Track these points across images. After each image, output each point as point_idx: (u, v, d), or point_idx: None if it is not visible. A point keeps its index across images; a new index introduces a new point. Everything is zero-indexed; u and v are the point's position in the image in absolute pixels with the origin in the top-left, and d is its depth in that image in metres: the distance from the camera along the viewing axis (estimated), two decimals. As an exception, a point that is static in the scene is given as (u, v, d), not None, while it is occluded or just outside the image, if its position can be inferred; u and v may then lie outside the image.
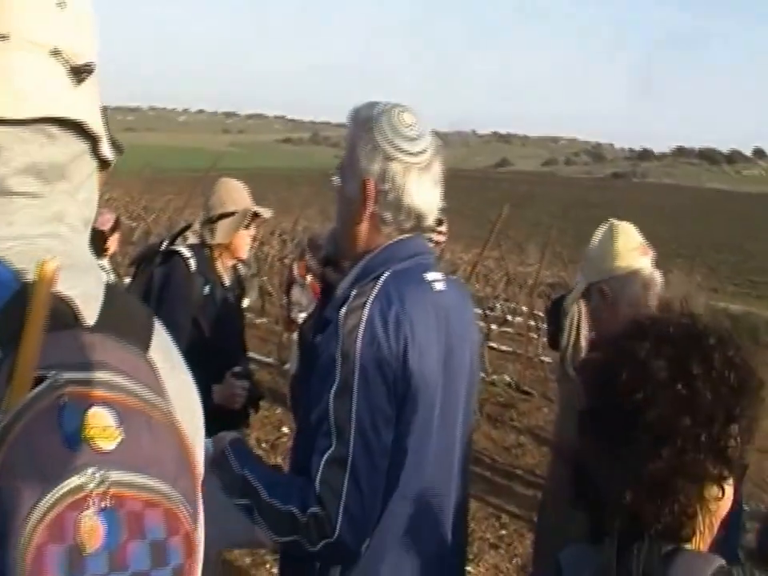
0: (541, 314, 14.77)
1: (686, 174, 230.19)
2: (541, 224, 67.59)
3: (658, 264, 2.74)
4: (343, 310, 1.67)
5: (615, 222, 2.68)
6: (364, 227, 1.81)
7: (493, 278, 17.80)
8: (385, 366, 1.63)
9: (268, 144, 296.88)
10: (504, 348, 13.87)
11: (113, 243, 5.42)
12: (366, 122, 1.79)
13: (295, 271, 9.49)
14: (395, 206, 1.77)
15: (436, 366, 1.74)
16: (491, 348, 12.88)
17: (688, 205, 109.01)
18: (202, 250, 3.57)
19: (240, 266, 3.99)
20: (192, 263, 3.47)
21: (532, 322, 13.05)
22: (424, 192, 1.79)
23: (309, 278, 9.49)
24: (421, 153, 1.78)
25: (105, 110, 0.96)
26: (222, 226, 3.56)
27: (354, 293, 1.72)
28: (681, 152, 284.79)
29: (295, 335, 9.10)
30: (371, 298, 1.68)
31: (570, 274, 17.56)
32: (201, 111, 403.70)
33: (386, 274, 1.74)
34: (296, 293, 9.25)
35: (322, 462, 1.62)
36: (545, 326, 9.95)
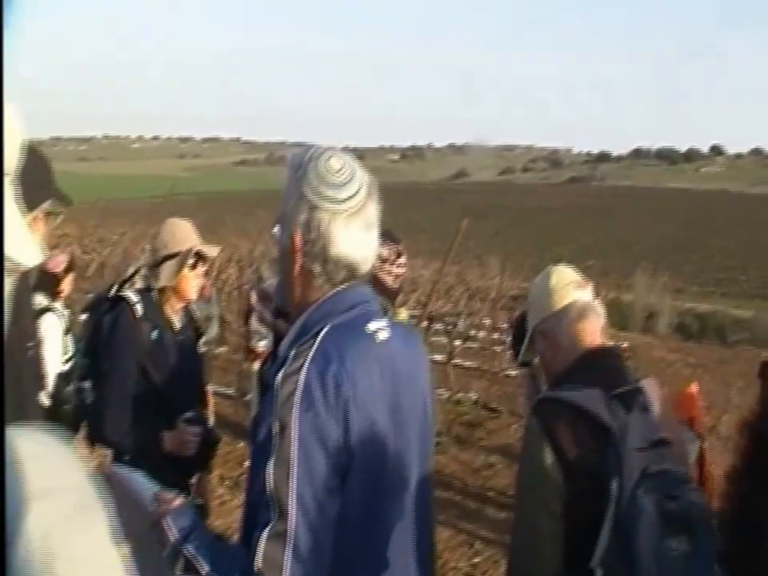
0: (505, 326, 14.89)
1: (644, 175, 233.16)
2: (500, 234, 68.15)
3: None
4: (279, 375, 1.62)
5: (551, 266, 2.73)
6: (298, 281, 1.77)
7: (454, 293, 17.84)
8: (325, 434, 1.58)
9: (224, 167, 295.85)
10: (468, 364, 13.90)
11: (67, 285, 5.42)
12: (296, 170, 1.76)
13: (253, 299, 9.45)
14: (323, 257, 1.73)
15: (383, 424, 1.69)
16: (456, 365, 12.91)
17: (648, 206, 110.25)
18: (149, 294, 3.54)
19: (193, 307, 3.92)
20: (138, 308, 3.46)
21: (496, 336, 13.10)
22: (353, 240, 1.74)
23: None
24: (349, 198, 1.73)
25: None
26: (166, 268, 3.53)
27: (292, 354, 1.66)
28: (638, 153, 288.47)
29: (256, 365, 9.05)
30: (308, 361, 1.62)
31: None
32: (155, 138, 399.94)
33: (325, 330, 1.68)
34: (254, 321, 9.20)
35: (263, 537, 1.55)
36: (509, 338, 10.01)
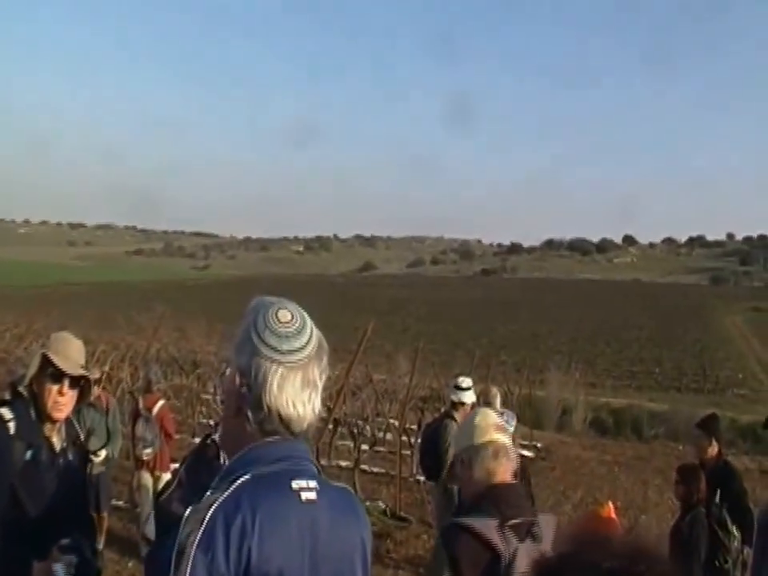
0: (414, 427, 14.87)
1: (557, 266, 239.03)
2: (409, 330, 68.66)
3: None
4: (188, 512, 1.62)
5: (480, 408, 3.50)
6: (233, 422, 1.80)
7: (361, 394, 17.81)
8: None
9: (118, 256, 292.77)
10: (377, 470, 13.82)
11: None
12: (248, 315, 1.83)
13: (141, 404, 9.28)
14: (257, 404, 1.76)
15: None
16: (363, 471, 12.81)
17: (561, 297, 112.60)
18: (28, 410, 3.43)
19: (76, 424, 3.80)
20: (11, 426, 3.33)
21: (404, 438, 13.07)
22: (290, 394, 1.77)
23: (155, 410, 9.31)
24: (292, 352, 1.77)
25: None
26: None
27: (207, 494, 1.67)
28: (550, 244, 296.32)
29: (146, 475, 8.87)
30: (217, 503, 1.62)
31: (442, 384, 17.83)
32: (44, 222, 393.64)
33: (244, 477, 1.68)
34: (140, 427, 9.04)
35: None
36: (419, 441, 9.97)
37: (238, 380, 1.76)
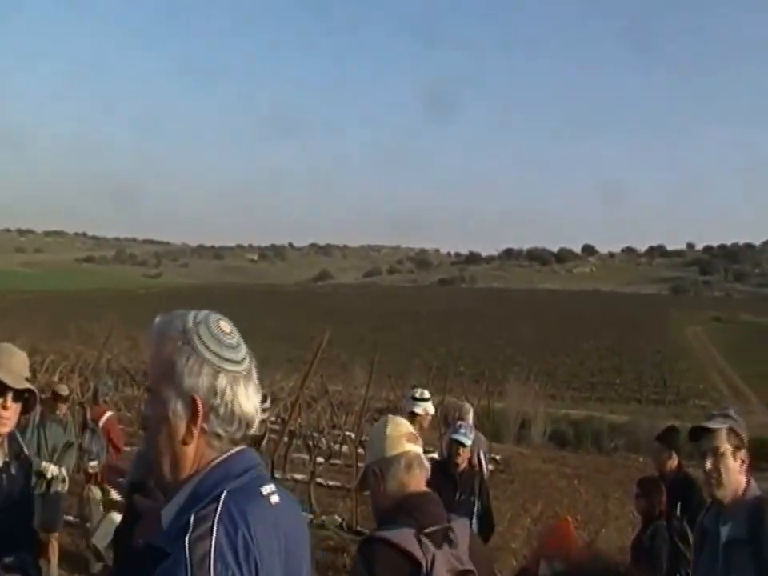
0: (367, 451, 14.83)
1: (516, 276, 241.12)
2: (365, 340, 68.67)
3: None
4: (188, 538, 1.63)
5: (390, 416, 3.31)
6: (192, 448, 1.79)
7: (316, 406, 17.79)
8: None
9: (68, 264, 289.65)
10: (332, 483, 13.78)
11: None
12: (183, 335, 1.80)
13: (88, 415, 9.17)
14: (227, 419, 1.79)
15: None
16: (319, 485, 12.78)
17: (520, 308, 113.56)
18: None
19: (19, 438, 3.73)
20: None
21: (361, 450, 13.06)
22: (250, 400, 1.82)
23: (102, 421, 9.21)
24: (243, 360, 1.83)
25: None
26: None
27: (193, 518, 1.67)
28: (509, 254, 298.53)
29: (93, 488, 8.75)
30: (215, 523, 1.65)
31: (398, 395, 17.90)
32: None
33: (225, 493, 1.72)
34: (86, 439, 8.95)
35: None
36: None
37: (201, 402, 1.75)
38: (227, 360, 1.78)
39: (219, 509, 1.67)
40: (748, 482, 3.64)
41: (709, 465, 3.59)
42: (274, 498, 1.80)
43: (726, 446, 3.58)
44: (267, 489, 1.80)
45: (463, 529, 2.90)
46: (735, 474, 3.61)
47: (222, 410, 1.77)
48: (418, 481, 2.99)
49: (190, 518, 1.67)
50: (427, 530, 2.73)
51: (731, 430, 3.61)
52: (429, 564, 2.65)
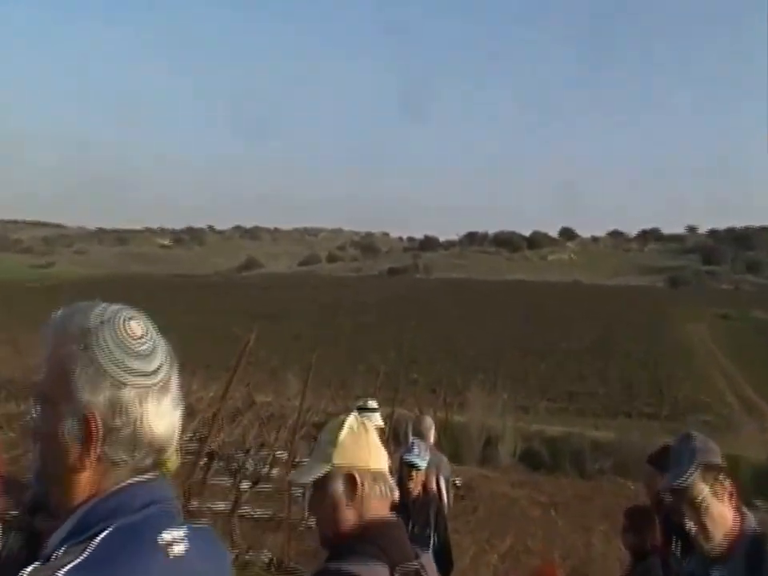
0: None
1: (479, 265, 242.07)
2: (300, 341, 68.57)
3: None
4: (29, 569, 1.56)
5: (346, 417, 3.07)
6: (86, 475, 1.71)
7: (242, 420, 17.71)
8: None
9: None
10: (260, 513, 13.76)
11: None
12: (82, 337, 1.72)
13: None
14: (131, 442, 1.71)
15: None
16: (243, 516, 12.75)
17: (485, 302, 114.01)
18: None
19: None
20: None
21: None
22: (165, 419, 1.75)
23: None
24: (157, 371, 1.75)
25: None
26: None
27: (60, 552, 1.60)
28: (472, 238, 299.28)
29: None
30: (72, 566, 1.55)
31: (340, 407, 17.87)
32: None
33: (107, 531, 1.63)
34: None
35: None
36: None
37: (98, 422, 1.67)
38: (135, 371, 1.70)
39: (88, 552, 1.58)
40: (741, 514, 3.52)
41: (691, 525, 3.46)
42: (177, 549, 1.69)
43: (704, 493, 3.47)
44: (169, 535, 1.69)
45: (430, 567, 2.82)
46: (723, 516, 3.48)
47: (124, 432, 1.70)
48: (384, 504, 2.87)
49: (59, 552, 1.59)
50: (400, 568, 2.64)
51: (703, 467, 3.49)
52: None
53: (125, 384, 1.70)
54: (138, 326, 1.77)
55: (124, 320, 1.76)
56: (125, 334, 1.73)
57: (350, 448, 2.89)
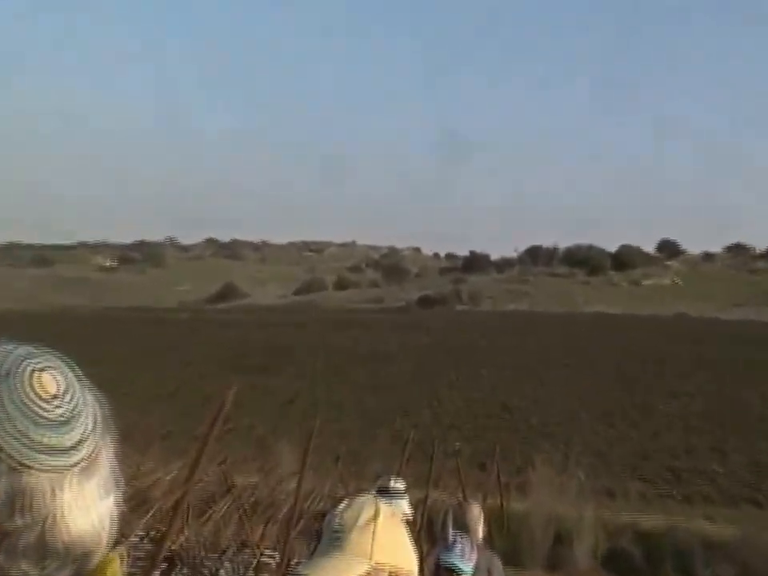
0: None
1: (546, 292, 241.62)
2: (298, 399, 68.49)
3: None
4: None
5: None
6: None
7: (215, 512, 17.79)
8: None
9: None
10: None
11: None
12: None
13: None
14: (38, 549, 1.56)
15: None
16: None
17: (554, 344, 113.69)
18: None
19: None
20: None
21: None
22: (90, 513, 1.63)
23: None
24: (78, 445, 1.61)
25: None
26: None
27: None
28: (534, 256, 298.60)
29: None
30: None
31: (353, 489, 17.83)
32: None
33: None
34: None
35: None
36: None
37: None
38: (44, 448, 1.55)
39: None
40: None
41: None
42: None
43: None
44: None
45: None
46: None
47: (28, 536, 1.56)
48: None
49: None
50: None
51: None
52: None
53: (29, 467, 1.54)
54: (51, 380, 1.62)
55: (31, 372, 1.60)
56: (31, 394, 1.57)
57: (389, 543, 2.78)
